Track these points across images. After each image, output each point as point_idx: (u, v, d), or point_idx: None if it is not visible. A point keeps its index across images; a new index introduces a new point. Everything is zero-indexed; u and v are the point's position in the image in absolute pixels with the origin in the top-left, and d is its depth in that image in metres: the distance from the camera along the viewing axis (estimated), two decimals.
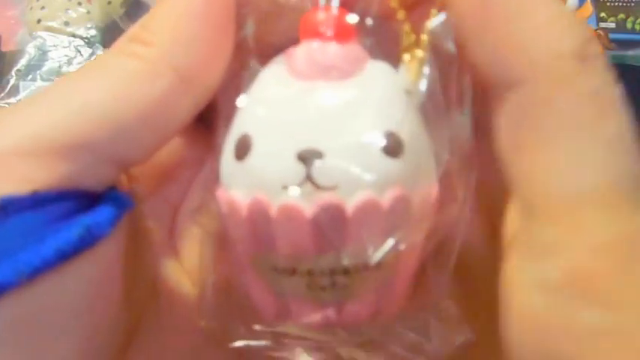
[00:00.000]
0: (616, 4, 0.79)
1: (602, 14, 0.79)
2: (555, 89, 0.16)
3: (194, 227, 0.22)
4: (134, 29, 0.18)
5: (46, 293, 0.16)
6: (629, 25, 0.78)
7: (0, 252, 0.15)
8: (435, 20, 0.18)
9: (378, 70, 0.18)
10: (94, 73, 0.17)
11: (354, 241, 0.17)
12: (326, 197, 0.17)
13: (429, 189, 0.18)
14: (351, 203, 0.17)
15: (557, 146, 0.16)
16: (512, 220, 0.17)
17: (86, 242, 0.16)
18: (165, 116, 0.18)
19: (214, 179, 0.20)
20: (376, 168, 0.17)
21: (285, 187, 0.17)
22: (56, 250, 0.15)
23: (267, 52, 0.19)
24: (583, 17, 0.75)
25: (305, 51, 0.18)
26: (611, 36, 0.75)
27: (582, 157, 0.15)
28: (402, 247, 0.18)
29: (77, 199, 0.17)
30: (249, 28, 0.19)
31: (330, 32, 0.18)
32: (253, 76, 0.19)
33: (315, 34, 0.18)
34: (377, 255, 0.17)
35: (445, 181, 0.19)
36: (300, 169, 0.17)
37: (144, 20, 0.18)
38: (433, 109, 0.18)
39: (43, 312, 0.16)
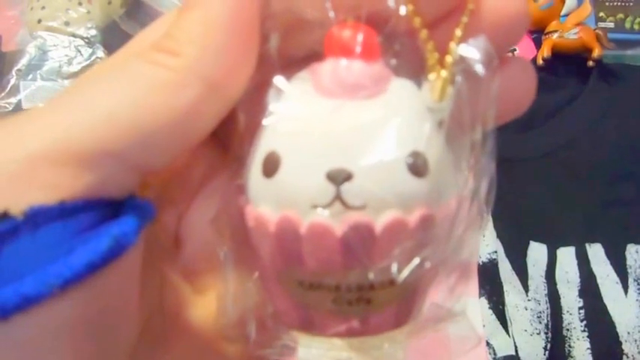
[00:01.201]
0: (615, 3, 0.80)
1: (601, 14, 0.79)
2: None
3: (201, 235, 0.22)
4: (159, 38, 0.18)
5: (73, 305, 0.16)
6: (627, 25, 0.78)
7: (31, 264, 0.15)
8: (464, 42, 0.18)
9: (402, 88, 0.19)
10: (120, 80, 0.17)
11: (381, 259, 0.18)
12: (355, 216, 0.17)
13: (449, 204, 0.19)
14: (379, 223, 0.17)
15: None
16: None
17: (114, 253, 0.16)
18: (191, 126, 0.18)
19: (233, 190, 0.20)
20: (403, 188, 0.17)
21: (314, 206, 0.17)
22: (87, 262, 0.16)
23: (290, 65, 0.19)
24: (582, 17, 0.75)
25: (331, 69, 0.18)
26: (610, 35, 0.75)
27: None
28: (428, 265, 0.18)
29: (101, 208, 0.17)
30: (273, 41, 0.19)
31: (356, 50, 0.18)
32: (277, 91, 0.19)
33: (342, 51, 0.18)
34: (404, 273, 0.18)
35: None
36: (329, 188, 0.17)
37: (169, 30, 0.18)
38: (456, 126, 0.19)
39: (68, 323, 0.16)
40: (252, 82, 0.19)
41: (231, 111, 0.19)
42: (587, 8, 0.75)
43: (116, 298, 0.17)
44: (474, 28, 0.18)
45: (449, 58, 0.18)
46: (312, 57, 0.19)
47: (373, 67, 0.18)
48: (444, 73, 0.18)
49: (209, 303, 0.22)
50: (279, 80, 0.19)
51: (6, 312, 0.15)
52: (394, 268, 0.18)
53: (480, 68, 0.18)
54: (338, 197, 0.17)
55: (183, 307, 0.22)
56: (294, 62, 0.19)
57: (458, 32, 0.18)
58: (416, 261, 0.18)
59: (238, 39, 0.18)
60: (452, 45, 0.18)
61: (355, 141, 0.18)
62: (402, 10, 0.18)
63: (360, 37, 0.18)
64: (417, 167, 0.18)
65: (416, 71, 0.19)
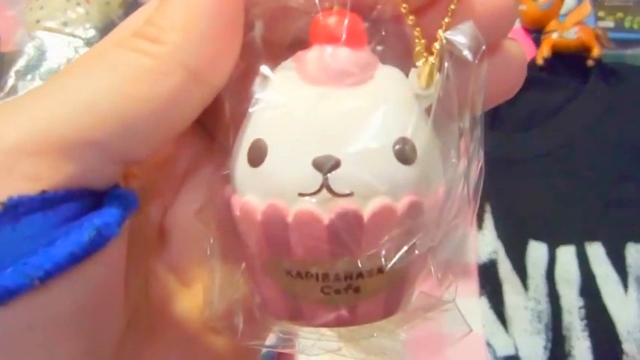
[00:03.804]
0: (614, 3, 0.79)
1: (601, 13, 0.79)
2: None
3: (186, 226, 0.22)
4: (140, 25, 0.18)
5: (56, 297, 0.16)
6: (627, 25, 0.78)
7: (11, 255, 0.15)
8: (452, 29, 0.18)
9: (389, 75, 0.19)
10: (100, 68, 0.17)
11: (369, 247, 0.18)
12: (342, 204, 0.17)
13: (437, 191, 0.19)
14: (367, 210, 0.17)
15: None
16: None
17: (97, 244, 0.16)
18: (173, 114, 0.17)
19: (219, 181, 0.20)
20: (391, 175, 0.17)
21: (301, 194, 0.17)
22: (68, 253, 0.15)
23: (275, 53, 0.19)
24: (581, 16, 0.75)
25: (317, 56, 0.18)
26: (610, 35, 0.75)
27: None
28: (416, 252, 0.18)
29: (83, 199, 0.17)
30: (258, 29, 0.19)
31: (342, 37, 0.18)
32: (262, 79, 0.19)
33: (327, 38, 0.18)
34: (392, 261, 0.18)
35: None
36: (316, 176, 0.17)
37: (151, 17, 0.18)
38: (444, 113, 0.19)
39: (52, 315, 0.16)
40: (237, 71, 0.19)
41: (217, 100, 0.19)
42: (587, 7, 0.75)
43: (100, 290, 0.17)
44: (461, 16, 0.18)
45: (436, 45, 0.18)
46: (297, 45, 0.19)
47: (359, 54, 0.18)
48: (431, 59, 0.18)
49: (195, 295, 0.22)
50: (264, 68, 0.19)
51: None
52: (383, 255, 0.18)
53: (467, 54, 0.18)
54: (325, 185, 0.17)
55: (169, 299, 0.22)
56: (279, 50, 0.19)
57: (446, 19, 0.18)
58: (404, 248, 0.18)
59: (222, 26, 0.18)
60: (439, 31, 0.18)
61: (342, 128, 0.17)
62: None
63: (345, 24, 0.18)
64: (405, 154, 0.17)
65: (403, 58, 0.19)
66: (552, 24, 0.76)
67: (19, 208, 0.15)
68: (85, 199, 0.17)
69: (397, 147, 0.17)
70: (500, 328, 0.61)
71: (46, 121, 0.16)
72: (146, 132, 0.17)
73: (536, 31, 0.78)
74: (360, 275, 0.18)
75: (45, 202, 0.15)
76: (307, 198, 0.17)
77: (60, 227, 0.16)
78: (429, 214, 0.18)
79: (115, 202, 0.17)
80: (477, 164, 0.19)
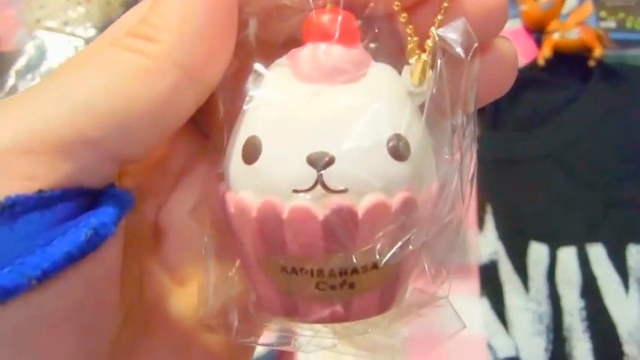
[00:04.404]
0: (616, 3, 0.79)
1: (602, 14, 0.79)
2: None
3: (181, 225, 0.22)
4: (134, 24, 0.18)
5: (53, 296, 0.16)
6: (629, 25, 0.78)
7: (8, 255, 0.15)
8: (444, 26, 0.18)
9: (381, 72, 0.19)
10: (96, 68, 0.17)
11: (364, 243, 0.18)
12: (337, 200, 0.17)
13: (431, 187, 0.19)
14: (361, 206, 0.17)
15: None
16: None
17: (93, 243, 0.16)
18: (169, 113, 0.18)
19: (213, 179, 0.20)
20: (385, 172, 0.17)
21: (296, 191, 0.17)
22: (65, 253, 0.15)
23: (269, 51, 0.19)
24: (583, 16, 0.75)
25: (310, 54, 0.18)
26: (611, 35, 0.75)
27: None
28: (410, 248, 0.18)
29: (80, 198, 0.17)
30: (252, 27, 0.19)
31: (335, 35, 0.18)
32: (256, 76, 0.19)
33: (320, 36, 0.18)
34: (386, 257, 0.18)
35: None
36: (310, 172, 0.17)
37: (145, 15, 0.18)
38: (436, 110, 0.19)
39: (49, 315, 0.16)
40: (231, 69, 0.19)
41: (211, 99, 0.19)
42: (588, 8, 0.75)
43: (96, 288, 0.17)
44: (454, 14, 0.18)
45: (429, 42, 0.18)
46: (291, 43, 0.19)
47: (352, 52, 0.18)
48: (424, 56, 0.18)
49: (190, 294, 0.22)
50: (258, 66, 0.19)
51: None
52: (377, 251, 0.18)
53: (460, 51, 0.18)
54: (319, 181, 0.17)
55: (163, 298, 0.21)
56: (273, 48, 0.19)
57: (438, 16, 0.18)
58: (399, 244, 0.18)
59: (216, 25, 0.18)
60: (432, 29, 0.18)
61: (336, 125, 0.17)
62: None
63: (338, 22, 0.18)
64: (399, 150, 0.17)
65: (395, 55, 0.19)
66: (554, 24, 0.76)
67: (15, 208, 0.15)
68: (82, 198, 0.17)
69: (391, 144, 0.17)
70: (501, 329, 0.61)
71: (43, 121, 0.16)
72: (142, 131, 0.17)
73: (537, 32, 0.78)
74: (354, 271, 0.18)
75: (42, 201, 0.15)
76: (302, 194, 0.17)
77: (57, 227, 0.16)
78: (422, 209, 0.18)
79: (110, 201, 0.17)
80: (471, 160, 0.19)
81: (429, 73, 0.18)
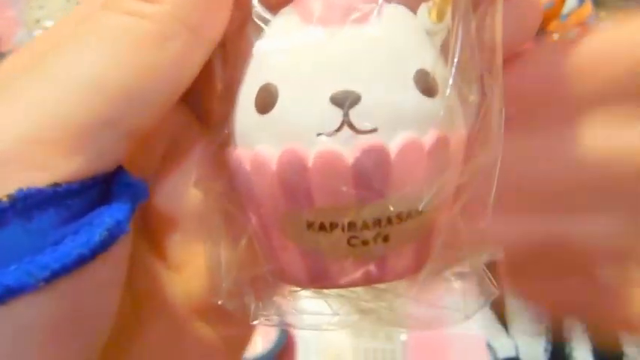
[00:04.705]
0: (616, 3, 0.79)
1: (602, 13, 0.79)
2: None
3: (172, 205, 0.20)
4: None
5: (58, 298, 0.15)
6: None
7: (17, 252, 0.14)
8: None
9: (396, 12, 0.18)
10: (96, 38, 0.16)
11: (398, 186, 0.16)
12: (367, 140, 0.16)
13: (460, 128, 0.18)
14: (393, 144, 0.16)
15: None
16: None
17: (106, 244, 0.15)
18: (179, 77, 0.16)
19: (215, 144, 0.19)
20: (415, 108, 0.16)
21: (320, 134, 0.16)
22: (78, 255, 0.14)
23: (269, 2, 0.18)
24: (583, 17, 0.74)
25: None
26: None
27: None
28: (446, 190, 0.17)
29: (94, 188, 0.16)
30: None
31: None
32: (259, 26, 0.18)
33: None
34: (424, 199, 0.16)
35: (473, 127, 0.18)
36: (336, 112, 0.16)
37: None
38: (460, 49, 0.18)
39: (52, 317, 0.15)
40: (230, 26, 0.18)
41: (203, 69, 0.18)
42: (588, 8, 0.74)
43: (102, 290, 0.16)
44: None
45: None
46: None
47: None
48: None
49: (183, 280, 0.20)
50: (261, 12, 0.18)
51: None
52: (413, 195, 0.16)
53: None
54: (346, 122, 0.16)
55: (154, 284, 0.20)
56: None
57: None
58: (434, 185, 0.16)
59: None
60: None
61: (357, 62, 0.16)
62: None
63: None
64: (427, 85, 0.16)
65: None
66: (553, 25, 0.76)
67: (27, 201, 0.14)
68: (95, 188, 0.16)
69: (418, 78, 0.16)
70: (501, 329, 0.61)
71: (54, 106, 0.15)
72: (154, 101, 0.16)
73: (537, 32, 0.78)
74: (389, 221, 0.16)
75: (56, 195, 0.15)
76: (327, 138, 0.16)
77: (69, 223, 0.15)
78: (455, 152, 0.17)
79: (124, 192, 0.16)
80: (498, 104, 0.18)
81: (448, 10, 0.17)
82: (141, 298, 0.19)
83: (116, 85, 0.15)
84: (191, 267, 0.20)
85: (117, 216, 0.15)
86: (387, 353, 0.56)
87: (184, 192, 0.20)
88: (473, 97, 0.18)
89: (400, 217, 0.16)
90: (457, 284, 0.19)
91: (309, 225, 0.17)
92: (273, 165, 0.16)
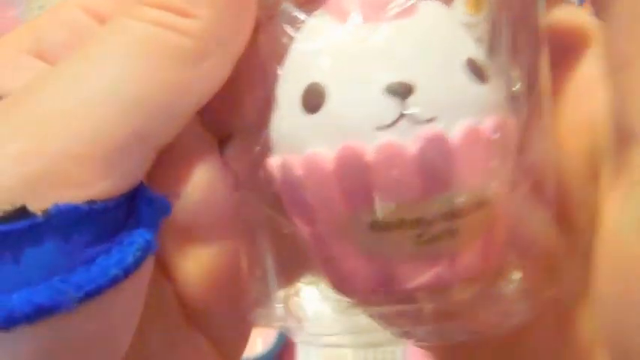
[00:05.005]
0: None
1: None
2: None
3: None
4: None
5: (86, 319, 0.14)
6: None
7: (46, 270, 0.14)
8: None
9: (432, 6, 0.17)
10: (134, 53, 0.15)
11: (463, 175, 0.16)
12: (428, 129, 0.15)
13: (511, 119, 0.17)
14: (455, 132, 0.15)
15: None
16: (613, 157, 0.15)
17: (138, 264, 0.15)
18: (206, 92, 0.16)
19: (257, 153, 0.18)
20: (471, 94, 0.16)
21: (378, 128, 0.15)
22: (113, 276, 0.14)
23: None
24: None
25: None
26: None
27: None
28: (510, 177, 0.16)
29: (123, 206, 0.15)
30: None
31: None
32: (292, 28, 0.18)
33: None
34: (490, 187, 0.16)
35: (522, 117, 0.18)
36: (392, 104, 0.15)
37: None
38: (499, 42, 0.17)
39: (78, 339, 0.14)
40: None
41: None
42: (589, 8, 0.75)
43: (129, 310, 0.16)
44: None
45: None
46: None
47: None
48: None
49: (179, 284, 0.19)
50: (295, 13, 0.17)
51: (11, 321, 0.13)
52: (478, 182, 0.16)
53: None
54: (404, 113, 0.15)
55: (150, 289, 0.19)
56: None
57: None
58: (498, 172, 0.16)
59: None
60: None
61: (407, 53, 0.16)
62: None
63: None
64: (480, 72, 0.16)
65: None
66: None
67: (63, 218, 0.14)
68: (125, 205, 0.15)
69: (470, 66, 0.16)
70: None
71: (90, 121, 0.14)
72: (181, 115, 0.16)
73: None
74: (456, 214, 0.16)
75: (91, 213, 0.14)
76: (386, 130, 0.15)
77: (100, 241, 0.15)
78: (512, 138, 0.17)
79: (149, 210, 0.16)
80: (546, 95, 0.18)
81: (485, 1, 0.17)
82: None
83: (151, 100, 0.15)
84: (184, 272, 0.19)
85: (146, 236, 0.15)
86: (387, 354, 0.56)
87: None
88: (518, 87, 0.17)
89: (468, 210, 0.16)
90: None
91: (372, 226, 0.16)
92: (330, 165, 0.16)
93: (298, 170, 0.16)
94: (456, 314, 0.17)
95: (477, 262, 0.17)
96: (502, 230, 0.17)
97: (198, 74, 0.16)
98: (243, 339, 0.20)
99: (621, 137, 0.15)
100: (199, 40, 0.15)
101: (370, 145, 0.15)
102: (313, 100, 0.16)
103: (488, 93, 0.16)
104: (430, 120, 0.15)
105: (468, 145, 0.16)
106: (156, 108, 0.15)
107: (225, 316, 0.19)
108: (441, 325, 0.17)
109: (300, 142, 0.16)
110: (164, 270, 0.19)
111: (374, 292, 0.17)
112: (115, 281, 0.14)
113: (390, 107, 0.15)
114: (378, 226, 0.16)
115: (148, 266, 0.16)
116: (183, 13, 0.16)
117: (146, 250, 0.15)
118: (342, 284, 0.17)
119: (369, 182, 0.15)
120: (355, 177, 0.16)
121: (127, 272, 0.14)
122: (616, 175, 0.15)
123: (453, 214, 0.16)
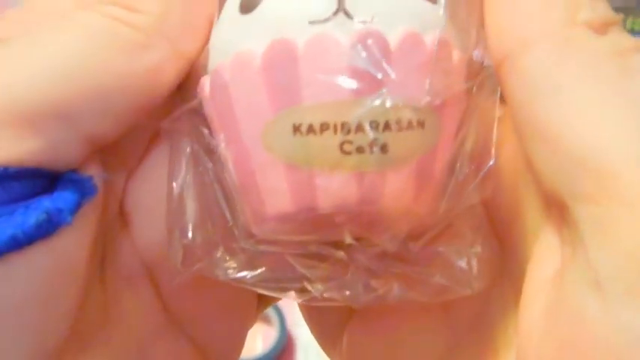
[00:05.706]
0: (616, 4, 0.79)
1: (629, 20, 0.79)
2: (565, 50, 0.14)
3: (151, 203, 0.19)
4: None
5: None
6: (628, 26, 0.78)
7: None
8: None
9: None
10: (75, 33, 0.15)
11: (398, 81, 0.14)
12: (366, 27, 0.14)
13: (463, 52, 0.16)
14: (394, 35, 0.15)
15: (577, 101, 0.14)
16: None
17: (44, 230, 0.14)
18: (152, 90, 0.16)
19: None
20: (416, 8, 0.15)
21: (311, 22, 0.15)
22: (9, 236, 0.14)
23: None
24: None
25: None
26: None
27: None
28: (447, 95, 0.15)
29: (36, 179, 0.15)
30: None
31: None
32: None
33: None
34: (425, 102, 0.15)
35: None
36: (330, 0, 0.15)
37: None
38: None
39: None
40: None
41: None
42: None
43: (45, 283, 0.15)
44: None
45: None
46: None
47: None
48: None
49: (152, 288, 0.19)
50: None
51: None
52: (413, 94, 0.15)
53: None
54: (342, 9, 0.14)
55: (128, 285, 0.18)
56: None
57: None
58: (436, 87, 0.15)
59: None
60: None
61: None
62: None
63: None
64: None
65: None
66: None
67: None
68: (39, 180, 0.15)
69: None
70: None
71: (12, 87, 0.14)
72: (121, 108, 0.16)
73: None
74: (387, 126, 0.14)
75: (1, 175, 0.14)
76: (321, 24, 0.14)
77: (7, 207, 0.14)
78: (457, 66, 0.16)
79: (69, 187, 0.15)
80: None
81: None
82: (110, 297, 0.18)
83: (83, 81, 0.15)
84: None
85: (58, 203, 0.15)
86: None
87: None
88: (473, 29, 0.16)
89: (400, 125, 0.15)
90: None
91: (297, 128, 0.15)
92: (257, 60, 0.15)
93: (226, 74, 0.16)
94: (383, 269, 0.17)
95: (408, 191, 0.15)
96: (438, 169, 0.16)
97: (138, 66, 0.16)
98: (238, 342, 0.21)
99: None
100: (144, 33, 0.16)
101: (302, 38, 0.14)
102: (250, 1, 0.15)
103: (436, 12, 0.15)
104: (369, 21, 0.15)
105: (405, 49, 0.15)
106: (83, 90, 0.15)
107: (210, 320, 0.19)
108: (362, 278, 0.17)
109: (232, 46, 0.16)
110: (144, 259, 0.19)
111: (294, 210, 0.15)
112: (14, 243, 0.14)
113: (327, 2, 0.15)
114: (301, 130, 0.15)
115: (70, 240, 0.15)
116: (131, 9, 0.16)
117: (55, 216, 0.14)
118: (260, 207, 0.16)
119: (297, 79, 0.15)
120: (282, 73, 0.15)
121: (31, 236, 0.14)
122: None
123: (383, 125, 0.14)
